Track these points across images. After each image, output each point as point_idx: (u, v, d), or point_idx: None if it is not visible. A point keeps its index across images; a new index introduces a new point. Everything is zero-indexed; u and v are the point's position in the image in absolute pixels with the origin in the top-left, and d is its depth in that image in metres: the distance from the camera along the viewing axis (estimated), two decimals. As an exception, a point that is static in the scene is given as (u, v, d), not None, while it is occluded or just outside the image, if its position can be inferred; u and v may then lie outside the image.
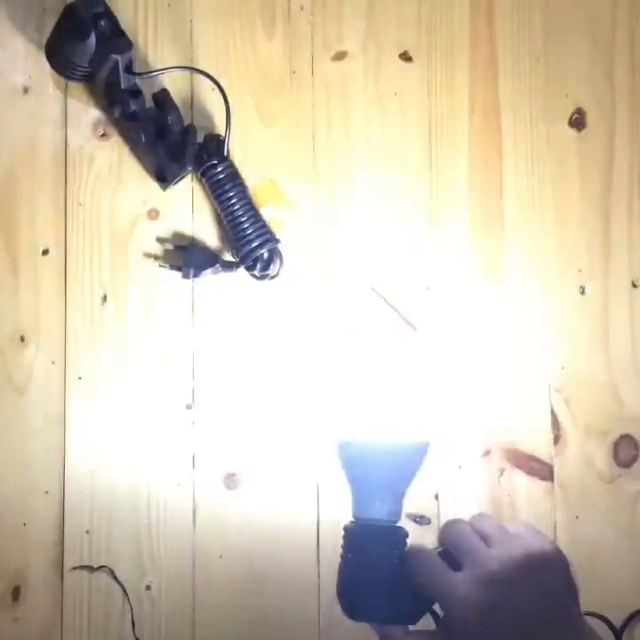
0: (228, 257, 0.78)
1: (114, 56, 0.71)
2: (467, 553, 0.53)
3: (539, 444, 0.80)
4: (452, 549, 0.54)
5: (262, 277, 0.77)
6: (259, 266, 0.76)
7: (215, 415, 0.77)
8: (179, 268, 0.76)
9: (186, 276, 0.76)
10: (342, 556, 0.56)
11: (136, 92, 0.74)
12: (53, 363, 0.75)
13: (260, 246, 0.75)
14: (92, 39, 0.70)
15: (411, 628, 0.55)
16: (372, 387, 0.61)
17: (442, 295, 0.80)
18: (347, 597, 0.56)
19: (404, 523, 0.76)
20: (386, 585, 0.55)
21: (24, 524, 0.74)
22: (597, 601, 0.78)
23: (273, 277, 0.77)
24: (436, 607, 0.54)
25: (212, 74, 0.76)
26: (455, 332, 0.80)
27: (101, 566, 0.75)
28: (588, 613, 0.74)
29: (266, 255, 0.76)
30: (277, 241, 0.77)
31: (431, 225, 0.81)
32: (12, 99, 0.76)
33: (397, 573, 0.55)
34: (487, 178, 0.82)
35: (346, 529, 0.57)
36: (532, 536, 0.54)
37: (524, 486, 0.80)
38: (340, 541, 0.56)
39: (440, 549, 0.55)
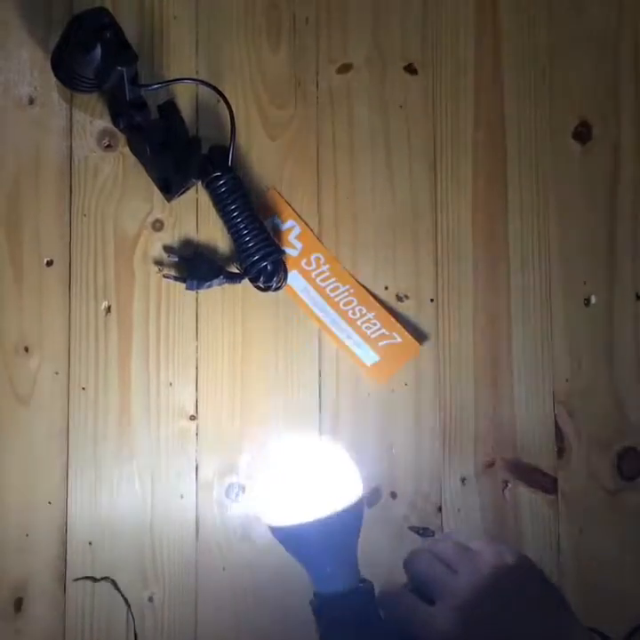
0: (232, 268, 0.78)
1: (119, 68, 0.71)
2: (435, 585, 0.52)
3: (542, 456, 0.80)
4: (419, 583, 0.54)
5: (266, 289, 0.77)
6: (262, 277, 0.76)
7: (218, 426, 0.77)
8: (183, 280, 0.76)
9: (190, 287, 0.76)
10: (317, 630, 0.56)
11: (141, 104, 0.74)
12: (57, 373, 0.75)
13: (264, 258, 0.75)
14: (98, 51, 0.70)
15: None
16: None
17: (445, 307, 0.80)
18: None
19: (408, 536, 0.77)
20: None
21: (27, 535, 0.74)
22: (600, 614, 0.78)
23: (277, 289, 0.77)
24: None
25: (217, 85, 0.76)
26: (458, 344, 0.80)
27: (104, 577, 0.74)
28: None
29: (270, 267, 0.76)
30: (281, 252, 0.77)
31: (435, 236, 0.81)
32: (18, 109, 0.77)
33: (374, 630, 0.55)
34: (491, 190, 0.82)
35: (311, 604, 0.56)
36: (494, 551, 0.53)
37: (528, 499, 0.80)
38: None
39: (410, 585, 0.55)
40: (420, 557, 0.55)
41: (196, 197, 0.78)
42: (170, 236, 0.78)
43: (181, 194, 0.77)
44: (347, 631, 0.55)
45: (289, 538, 0.57)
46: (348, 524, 0.57)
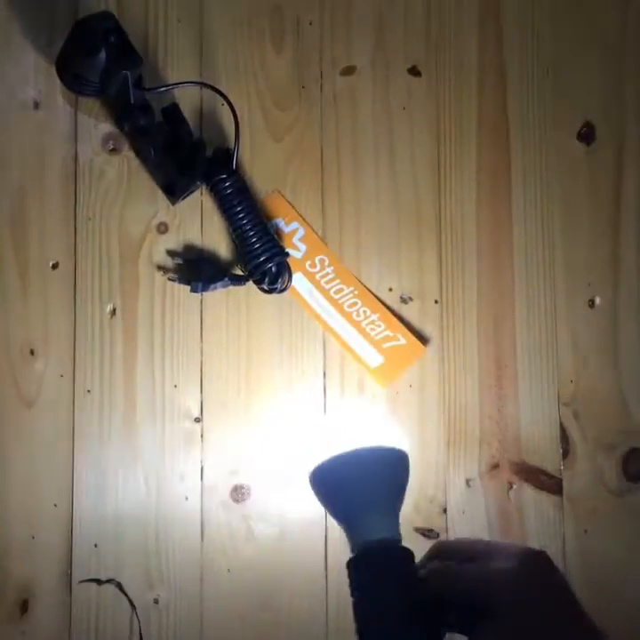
0: (236, 271, 0.78)
1: (124, 71, 0.71)
2: (481, 552, 0.52)
3: (547, 457, 0.80)
4: (460, 554, 0.53)
5: (270, 291, 0.77)
6: (267, 279, 0.76)
7: (223, 428, 0.77)
8: (188, 282, 0.76)
9: (195, 289, 0.76)
10: (353, 596, 0.53)
11: (146, 107, 0.74)
12: (62, 376, 0.76)
13: (269, 260, 0.76)
14: (102, 55, 0.70)
15: None
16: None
17: (450, 309, 0.80)
18: (368, 637, 0.54)
19: (413, 537, 0.77)
20: (402, 615, 0.53)
21: (32, 537, 0.74)
22: (605, 616, 0.77)
23: (281, 291, 0.77)
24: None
25: (221, 88, 0.76)
26: (463, 345, 0.80)
27: (109, 580, 0.75)
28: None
29: (274, 269, 0.76)
30: (286, 254, 0.77)
31: (439, 238, 0.81)
32: (23, 113, 0.77)
33: (412, 599, 0.53)
34: (495, 191, 0.82)
35: (349, 564, 0.52)
36: (517, 544, 0.53)
37: (533, 500, 0.80)
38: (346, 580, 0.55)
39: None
40: (455, 539, 0.54)
41: (201, 200, 0.78)
42: (174, 239, 0.78)
43: (186, 197, 0.77)
44: (390, 584, 0.51)
45: (329, 478, 0.53)
46: (390, 465, 0.54)
